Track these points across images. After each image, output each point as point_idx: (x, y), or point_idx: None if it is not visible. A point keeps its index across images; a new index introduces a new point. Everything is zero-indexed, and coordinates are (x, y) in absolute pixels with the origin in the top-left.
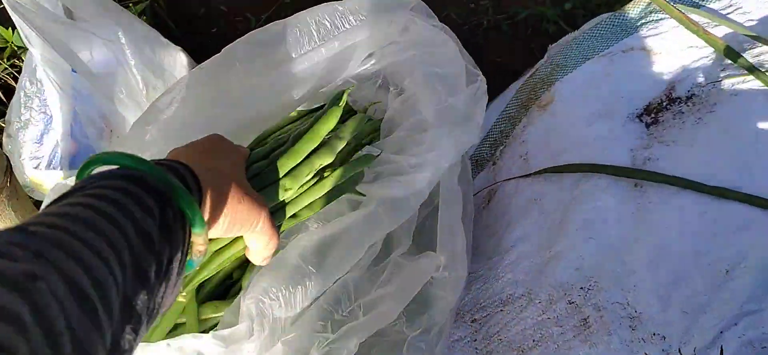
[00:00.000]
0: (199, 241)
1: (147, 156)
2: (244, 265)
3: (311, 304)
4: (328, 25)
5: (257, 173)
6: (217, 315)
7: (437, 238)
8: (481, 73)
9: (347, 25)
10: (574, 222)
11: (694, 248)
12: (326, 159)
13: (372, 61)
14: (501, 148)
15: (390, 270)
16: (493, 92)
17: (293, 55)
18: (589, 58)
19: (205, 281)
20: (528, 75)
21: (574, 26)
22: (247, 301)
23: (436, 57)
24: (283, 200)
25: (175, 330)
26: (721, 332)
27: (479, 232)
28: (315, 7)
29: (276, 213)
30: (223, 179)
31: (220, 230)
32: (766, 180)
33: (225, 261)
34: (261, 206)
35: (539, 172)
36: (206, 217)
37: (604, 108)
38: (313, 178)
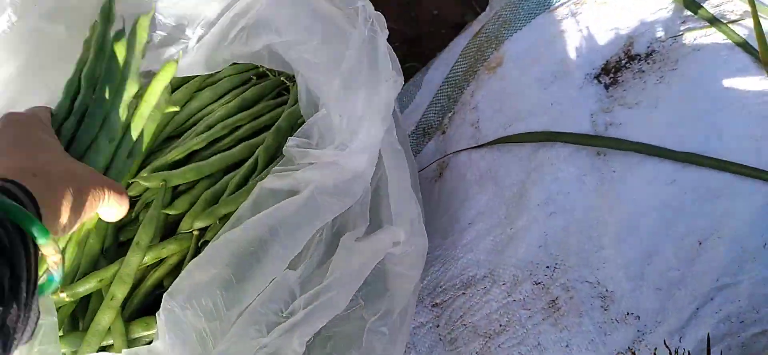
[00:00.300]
0: (49, 251)
1: None
2: (176, 271)
3: (245, 308)
4: None
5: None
6: (149, 333)
7: (391, 209)
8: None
9: None
10: (534, 196)
11: (664, 219)
12: None
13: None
14: (449, 115)
15: (338, 255)
16: (434, 48)
17: None
18: (538, 13)
19: (131, 294)
20: (473, 33)
21: None
22: (163, 313)
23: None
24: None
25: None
26: (697, 309)
27: (432, 208)
28: None
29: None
30: (53, 176)
31: (72, 227)
32: (736, 143)
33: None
34: (99, 181)
35: (493, 143)
36: (50, 224)
37: (558, 69)
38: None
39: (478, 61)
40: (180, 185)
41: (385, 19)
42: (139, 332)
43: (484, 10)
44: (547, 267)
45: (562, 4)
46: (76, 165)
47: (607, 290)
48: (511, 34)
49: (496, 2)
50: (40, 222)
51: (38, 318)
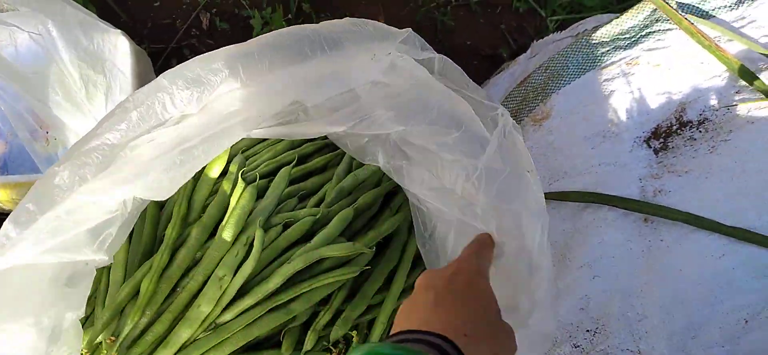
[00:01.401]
0: None
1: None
2: None
3: None
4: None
5: None
6: None
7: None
8: (497, 104)
9: (318, 53)
10: (577, 257)
11: (711, 293)
12: None
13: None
14: None
15: None
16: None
17: (247, 82)
18: (588, 69)
19: None
20: (513, 76)
21: (543, 5)
22: None
23: (436, 107)
24: None
25: None
26: None
27: None
28: (285, 30)
29: None
30: (482, 345)
31: None
32: None
33: None
34: (513, 344)
35: None
36: None
37: (607, 129)
38: None
39: (523, 110)
40: None
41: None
42: None
43: (517, 43)
44: (588, 331)
45: (613, 63)
46: (502, 324)
47: None
48: (559, 88)
49: (538, 47)
50: None
51: None
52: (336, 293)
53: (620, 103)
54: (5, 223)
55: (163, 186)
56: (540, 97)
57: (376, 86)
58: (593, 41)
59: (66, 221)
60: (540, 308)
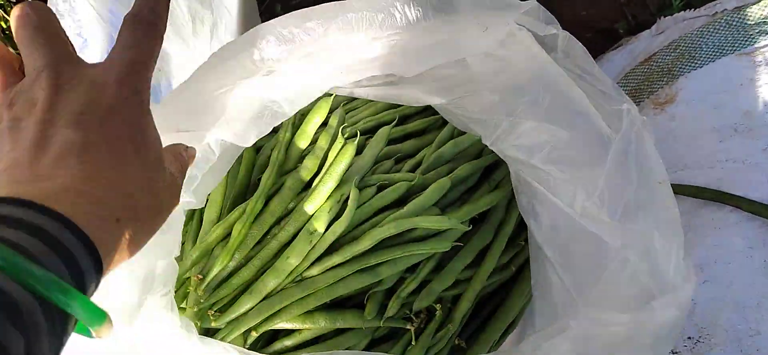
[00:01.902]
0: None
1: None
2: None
3: None
4: (398, 15)
5: None
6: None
7: None
8: (624, 97)
9: (424, 19)
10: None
11: None
12: None
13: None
14: None
15: None
16: None
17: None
18: (725, 53)
19: None
20: (634, 54)
21: None
22: None
23: (550, 96)
24: None
25: None
26: None
27: None
28: None
29: None
30: (135, 216)
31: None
32: None
33: None
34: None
35: None
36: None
37: (741, 122)
38: None
39: (644, 91)
40: None
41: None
42: None
43: (637, 19)
44: (689, 338)
45: (757, 49)
46: (163, 184)
47: None
48: (689, 71)
49: (665, 24)
50: (90, 301)
51: None
52: (424, 263)
53: (759, 95)
54: None
55: (248, 133)
56: (665, 79)
57: (489, 59)
58: (734, 22)
59: None
60: (667, 329)
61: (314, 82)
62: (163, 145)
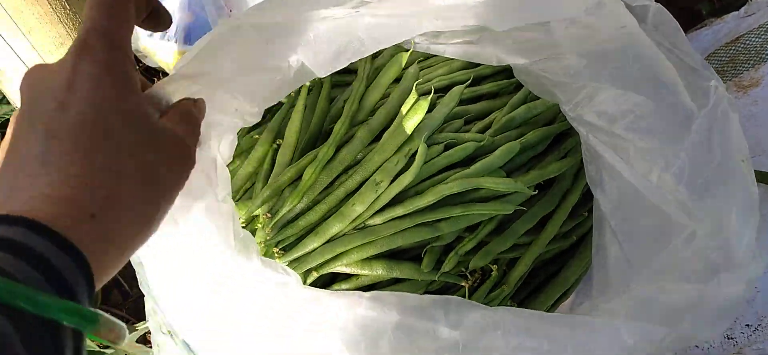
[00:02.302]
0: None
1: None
2: None
3: None
4: None
5: None
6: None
7: None
8: (713, 74)
9: None
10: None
11: None
12: None
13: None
14: None
15: None
16: None
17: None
18: None
19: None
20: (724, 41)
21: None
22: None
23: (638, 66)
24: None
25: None
26: None
27: None
28: None
29: None
30: (116, 204)
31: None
32: None
33: None
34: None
35: None
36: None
37: None
38: None
39: (727, 73)
40: None
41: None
42: None
43: (722, 2)
44: (747, 326)
45: None
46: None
47: None
48: None
49: (755, 6)
50: (87, 300)
51: None
52: (484, 224)
53: None
54: (182, 57)
55: (326, 62)
56: (752, 62)
57: (574, 25)
58: None
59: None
60: (731, 303)
61: (403, 24)
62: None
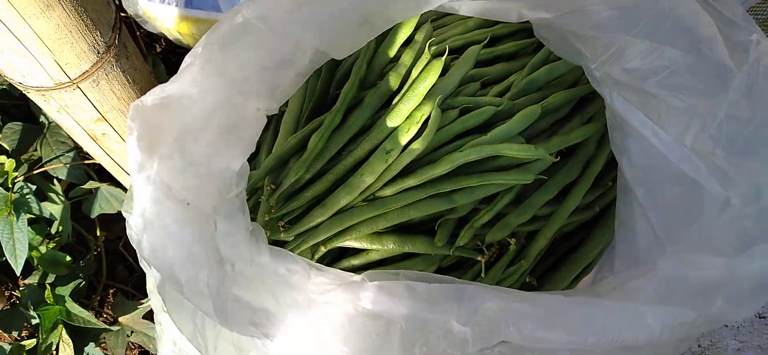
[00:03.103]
0: None
1: None
2: None
3: None
4: None
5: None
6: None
7: None
8: (754, 26)
9: None
10: None
11: None
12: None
13: None
14: None
15: None
16: None
17: None
18: None
19: None
20: None
21: None
22: None
23: (672, 17)
24: None
25: None
26: None
27: None
28: None
29: None
30: None
31: None
32: None
33: None
34: None
35: None
36: None
37: None
38: None
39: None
40: None
41: None
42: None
43: None
44: None
45: None
46: None
47: None
48: None
49: None
50: None
51: None
52: (502, 195)
53: None
54: (187, 56)
55: (340, 44)
56: None
57: None
58: None
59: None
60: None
61: None
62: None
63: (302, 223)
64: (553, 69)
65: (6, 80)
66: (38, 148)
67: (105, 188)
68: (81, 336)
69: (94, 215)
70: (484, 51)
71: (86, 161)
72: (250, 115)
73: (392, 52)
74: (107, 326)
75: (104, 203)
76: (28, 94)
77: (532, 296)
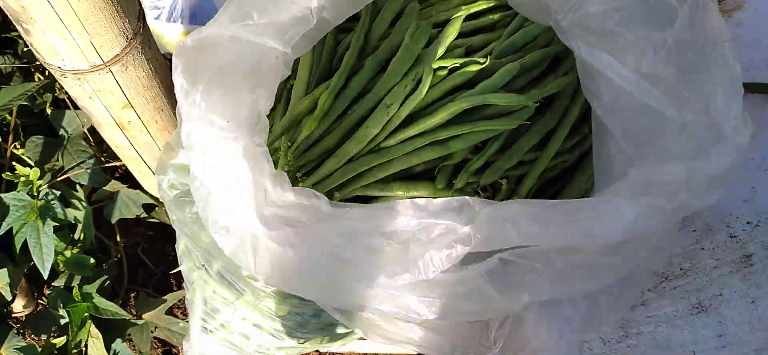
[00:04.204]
0: None
1: None
2: None
3: None
4: None
5: None
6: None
7: None
8: None
9: None
10: (752, 149)
11: None
12: None
13: None
14: None
15: None
16: None
17: None
18: None
19: None
20: None
21: None
22: None
23: None
24: None
25: None
26: None
27: None
28: None
29: None
30: None
31: None
32: None
33: None
34: None
35: None
36: None
37: None
38: None
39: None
40: None
41: None
42: None
43: None
44: (749, 223)
45: None
46: None
47: None
48: None
49: None
50: None
51: None
52: (491, 142)
53: None
54: (221, 9)
55: (341, 8)
56: None
57: None
58: None
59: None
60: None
61: None
62: None
63: (317, 173)
64: (527, 32)
65: (46, 65)
66: (60, 158)
67: (124, 191)
68: (109, 332)
69: (114, 220)
70: (466, 24)
71: (106, 165)
72: (271, 61)
73: (385, 26)
74: (133, 319)
75: (124, 207)
76: (63, 81)
77: (524, 201)
